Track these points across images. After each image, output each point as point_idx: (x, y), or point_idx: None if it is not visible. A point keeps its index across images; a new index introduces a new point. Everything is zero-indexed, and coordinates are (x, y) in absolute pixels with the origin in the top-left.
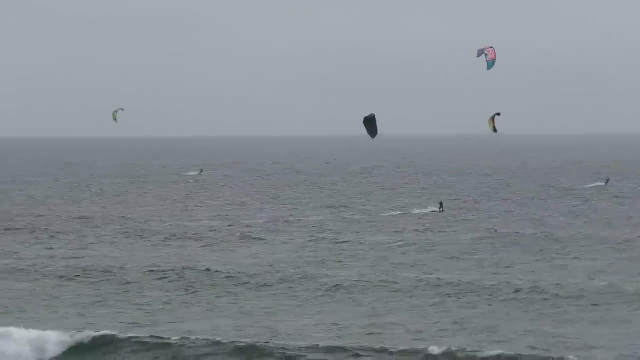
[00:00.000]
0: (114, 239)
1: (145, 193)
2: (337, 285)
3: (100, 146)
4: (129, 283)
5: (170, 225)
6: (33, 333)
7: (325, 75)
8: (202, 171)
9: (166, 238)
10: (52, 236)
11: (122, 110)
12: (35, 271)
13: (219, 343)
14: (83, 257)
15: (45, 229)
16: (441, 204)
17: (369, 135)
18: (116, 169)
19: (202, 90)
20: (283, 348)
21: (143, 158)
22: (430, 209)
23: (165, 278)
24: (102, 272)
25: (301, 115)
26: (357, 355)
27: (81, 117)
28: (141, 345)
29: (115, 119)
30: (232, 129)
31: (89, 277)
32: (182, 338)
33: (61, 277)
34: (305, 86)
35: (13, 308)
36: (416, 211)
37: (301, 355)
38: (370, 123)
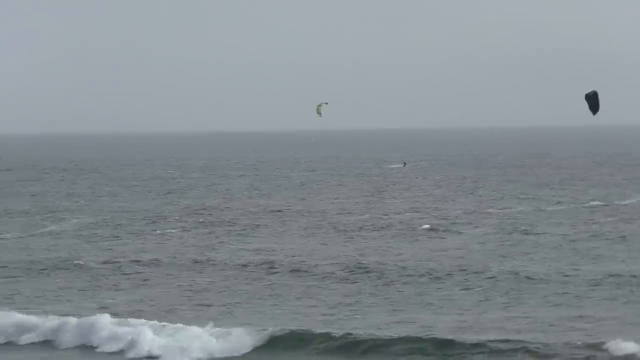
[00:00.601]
0: (308, 232)
1: (342, 185)
2: (526, 277)
3: (292, 140)
4: (316, 275)
5: (364, 217)
6: (218, 329)
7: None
8: (405, 164)
9: (360, 228)
10: (245, 229)
11: (326, 104)
12: (225, 264)
13: (405, 338)
14: (274, 250)
15: (240, 222)
16: None
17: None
18: (316, 161)
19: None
20: (470, 342)
21: (346, 151)
22: None
23: (351, 271)
24: (291, 264)
25: (496, 106)
26: (545, 348)
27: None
28: (327, 340)
29: (319, 113)
30: (433, 121)
31: (278, 271)
32: (368, 334)
33: (251, 271)
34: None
35: (200, 303)
36: (617, 202)
37: (487, 348)
38: (592, 99)
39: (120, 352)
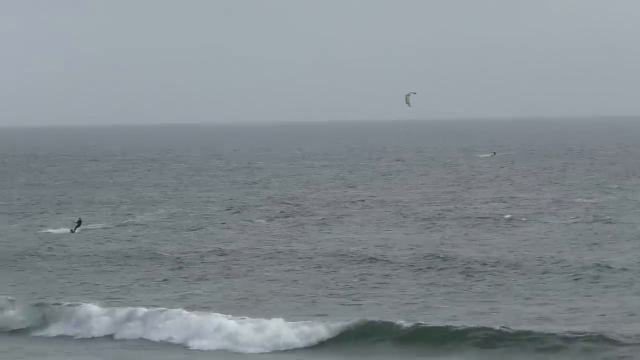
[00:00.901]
0: (391, 222)
1: (427, 175)
2: (609, 266)
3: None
4: (399, 265)
5: (448, 207)
6: (293, 322)
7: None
8: (494, 153)
9: (444, 218)
10: (328, 220)
11: (414, 93)
12: (307, 254)
13: (483, 329)
14: (356, 240)
15: (323, 212)
16: None
17: None
18: (402, 151)
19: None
20: (549, 332)
21: (433, 140)
22: None
23: (434, 261)
24: (374, 254)
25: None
26: (624, 338)
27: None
28: (404, 330)
29: (407, 103)
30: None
31: (360, 262)
32: (446, 324)
33: (333, 261)
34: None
35: (281, 294)
36: None
37: (566, 338)
38: None
39: (183, 344)
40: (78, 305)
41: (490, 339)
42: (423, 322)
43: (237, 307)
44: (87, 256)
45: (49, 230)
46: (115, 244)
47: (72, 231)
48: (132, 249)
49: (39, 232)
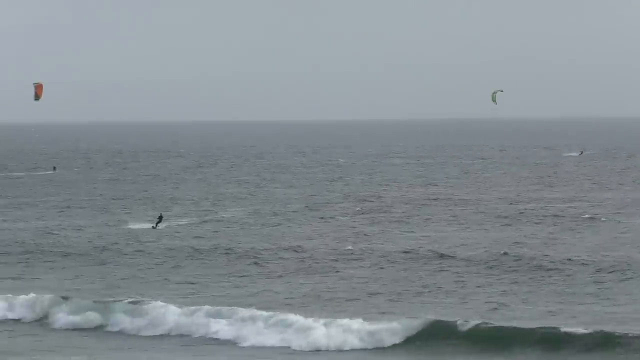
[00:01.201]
0: (471, 220)
1: (511, 173)
2: None
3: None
4: (477, 263)
5: (529, 206)
6: (368, 321)
7: None
8: (582, 152)
9: (525, 217)
10: (408, 217)
11: (502, 91)
12: (384, 252)
13: (550, 328)
14: (436, 238)
15: (402, 210)
16: None
17: None
18: (486, 149)
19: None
20: (626, 334)
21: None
22: None
23: (514, 260)
24: (454, 253)
25: None
26: None
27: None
28: (479, 331)
29: (494, 101)
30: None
31: (439, 260)
32: (515, 326)
33: (412, 259)
34: None
35: (354, 293)
36: None
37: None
38: None
39: (251, 340)
40: (150, 302)
41: (565, 337)
42: (492, 322)
43: (312, 305)
44: (167, 252)
45: (130, 226)
46: (195, 240)
47: (153, 227)
48: (212, 245)
49: (120, 227)
